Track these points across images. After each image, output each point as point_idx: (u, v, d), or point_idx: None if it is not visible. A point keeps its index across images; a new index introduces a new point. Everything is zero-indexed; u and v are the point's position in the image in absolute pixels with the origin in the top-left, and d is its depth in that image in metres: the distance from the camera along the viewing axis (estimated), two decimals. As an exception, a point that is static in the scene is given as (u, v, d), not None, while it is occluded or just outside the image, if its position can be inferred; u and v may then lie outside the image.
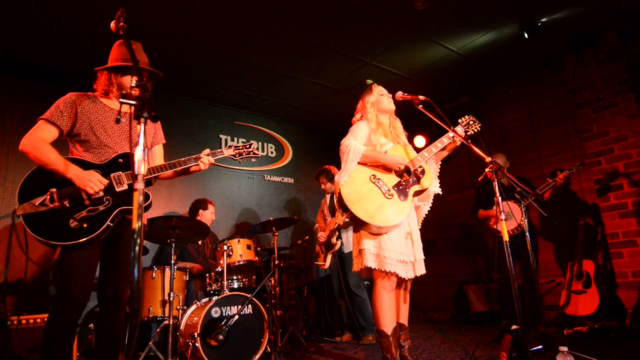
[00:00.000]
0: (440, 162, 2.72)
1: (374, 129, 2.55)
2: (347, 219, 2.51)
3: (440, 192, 2.59)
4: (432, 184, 2.55)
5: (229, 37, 3.84)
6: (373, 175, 2.42)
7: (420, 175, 2.50)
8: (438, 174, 2.65)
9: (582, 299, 3.67)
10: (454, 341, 3.64)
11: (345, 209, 2.35)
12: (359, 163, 2.41)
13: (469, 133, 2.67)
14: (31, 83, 4.13)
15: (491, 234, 3.97)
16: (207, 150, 2.24)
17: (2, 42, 3.69)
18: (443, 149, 2.60)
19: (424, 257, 2.47)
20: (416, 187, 2.47)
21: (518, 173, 4.54)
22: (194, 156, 2.18)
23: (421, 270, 2.44)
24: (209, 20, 3.57)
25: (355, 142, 2.43)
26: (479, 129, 2.70)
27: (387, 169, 2.45)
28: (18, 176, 3.87)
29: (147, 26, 3.55)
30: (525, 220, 3.13)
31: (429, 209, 2.64)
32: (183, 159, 2.15)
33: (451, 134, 2.55)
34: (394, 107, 2.64)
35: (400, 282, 2.44)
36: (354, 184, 2.37)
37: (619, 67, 4.01)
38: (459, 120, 2.70)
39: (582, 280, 3.75)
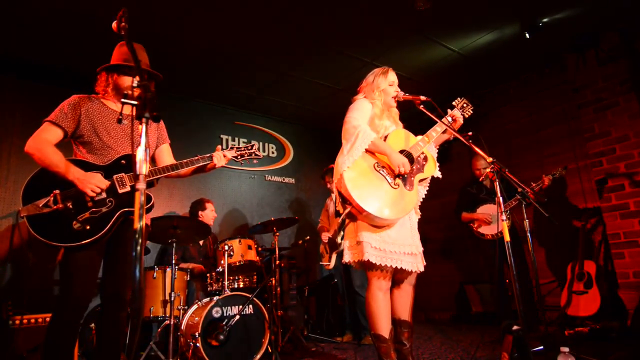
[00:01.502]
0: (439, 146, 2.60)
1: (378, 115, 2.42)
2: (348, 211, 2.28)
3: (440, 176, 2.47)
4: (435, 171, 2.44)
5: (229, 37, 3.84)
6: (376, 162, 2.27)
7: (424, 162, 2.40)
8: (436, 157, 2.53)
9: (584, 300, 3.67)
10: (455, 341, 3.64)
11: (347, 200, 2.16)
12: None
13: (465, 116, 2.59)
14: (32, 83, 4.13)
15: (474, 237, 3.97)
16: (220, 147, 2.28)
17: (3, 41, 3.70)
18: (443, 132, 2.49)
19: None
20: (420, 175, 2.36)
21: (519, 173, 4.54)
22: (204, 155, 2.20)
23: (422, 263, 2.33)
24: (210, 20, 3.57)
25: (365, 126, 2.26)
26: (471, 112, 2.65)
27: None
28: (20, 176, 3.87)
29: (148, 26, 3.55)
30: (527, 220, 3.13)
31: (426, 193, 2.52)
32: (194, 158, 2.17)
33: (455, 112, 2.50)
34: (394, 104, 2.51)
35: (406, 276, 2.33)
36: (357, 172, 2.20)
37: (621, 67, 4.00)
38: (454, 103, 2.62)
39: (583, 281, 3.74)
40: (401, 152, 2.33)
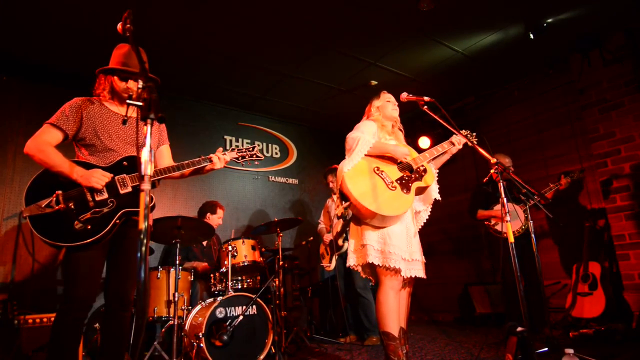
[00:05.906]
0: (438, 169, 2.72)
1: (380, 129, 2.59)
2: (346, 209, 2.38)
3: (440, 199, 2.58)
4: (434, 182, 2.55)
5: (234, 39, 3.85)
6: (376, 167, 2.41)
7: (423, 174, 2.52)
8: (437, 179, 2.63)
9: (588, 301, 3.65)
10: (458, 343, 3.63)
11: (346, 197, 2.30)
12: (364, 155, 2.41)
13: (468, 144, 2.67)
14: (38, 84, 4.15)
15: (491, 234, 3.92)
16: (221, 149, 2.28)
17: (9, 43, 3.72)
18: (444, 152, 2.65)
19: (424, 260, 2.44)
20: (419, 183, 2.47)
21: (523, 174, 4.53)
22: (205, 157, 2.21)
23: (422, 273, 2.39)
24: (214, 22, 3.58)
25: (365, 135, 2.43)
26: (474, 142, 2.75)
27: (392, 160, 2.47)
28: (25, 177, 3.90)
29: (153, 27, 3.57)
30: (531, 221, 3.12)
31: (428, 215, 2.63)
32: (196, 159, 2.17)
33: (453, 139, 2.63)
34: (397, 115, 2.68)
35: (404, 283, 2.40)
36: (358, 173, 2.36)
37: (626, 67, 3.98)
38: (461, 132, 2.73)
39: (588, 282, 3.72)
40: (400, 162, 2.49)
